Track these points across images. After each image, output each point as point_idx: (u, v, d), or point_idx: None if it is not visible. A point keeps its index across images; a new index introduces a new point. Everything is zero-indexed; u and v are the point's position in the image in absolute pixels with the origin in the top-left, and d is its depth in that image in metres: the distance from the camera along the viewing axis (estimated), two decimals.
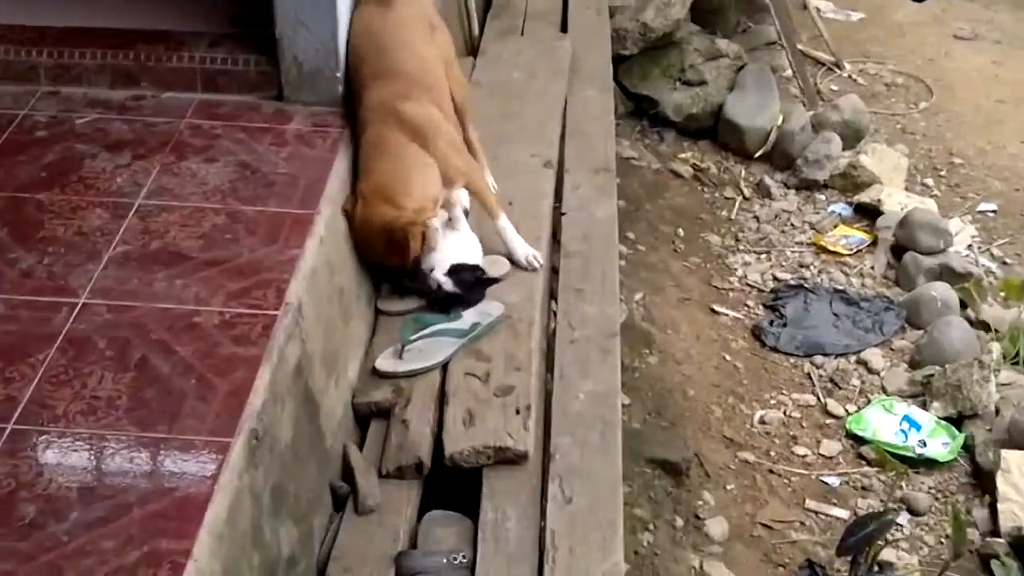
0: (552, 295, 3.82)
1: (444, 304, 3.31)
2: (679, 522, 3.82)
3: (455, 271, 3.34)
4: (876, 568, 3.54)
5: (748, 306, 4.99)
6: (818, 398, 4.45)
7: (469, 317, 3.28)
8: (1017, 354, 4.48)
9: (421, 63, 3.56)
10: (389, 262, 3.32)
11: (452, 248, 3.37)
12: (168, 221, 2.99)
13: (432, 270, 3.32)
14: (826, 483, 4.09)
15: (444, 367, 3.20)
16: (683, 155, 6.09)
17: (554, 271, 3.86)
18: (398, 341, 3.19)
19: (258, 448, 2.42)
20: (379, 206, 3.27)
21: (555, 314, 3.64)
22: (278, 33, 3.48)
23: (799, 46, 6.89)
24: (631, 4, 6.17)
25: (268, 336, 2.62)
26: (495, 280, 3.41)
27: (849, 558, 3.47)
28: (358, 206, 3.28)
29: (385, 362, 3.18)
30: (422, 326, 3.22)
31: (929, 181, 5.90)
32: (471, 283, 3.34)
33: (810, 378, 4.56)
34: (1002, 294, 4.85)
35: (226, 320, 2.67)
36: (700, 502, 3.92)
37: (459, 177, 3.44)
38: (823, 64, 7.06)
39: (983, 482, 4.00)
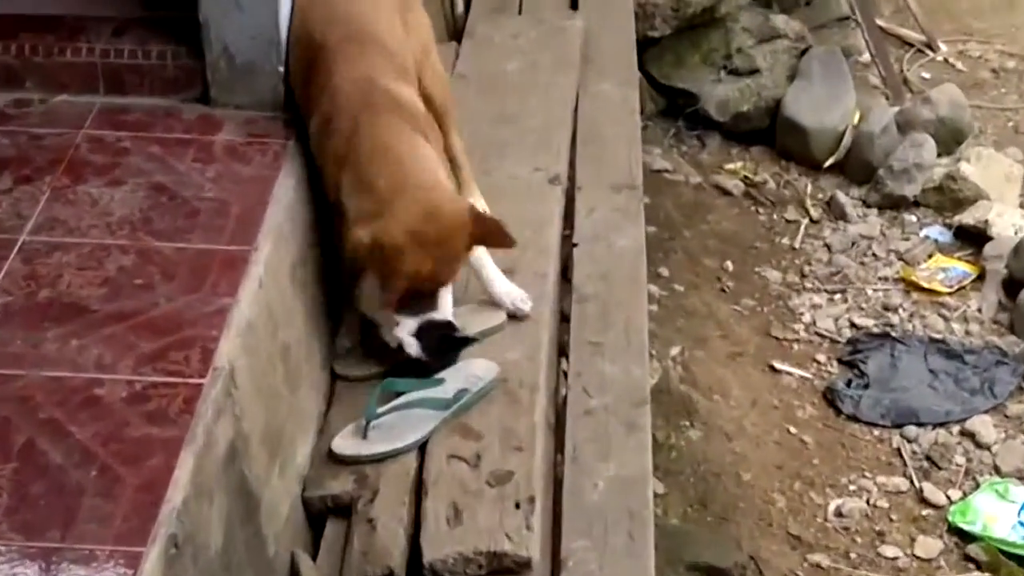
0: (562, 351, 3.82)
1: (406, 369, 3.32)
2: None
3: (424, 330, 3.30)
4: None
5: (818, 362, 4.99)
6: (911, 482, 4.46)
7: (453, 383, 3.28)
8: None
9: (397, 40, 3.59)
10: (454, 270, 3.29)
11: (426, 300, 3.32)
12: (61, 263, 2.99)
13: (397, 325, 3.34)
14: None
15: (421, 448, 3.19)
16: (731, 166, 6.12)
17: (564, 320, 3.86)
18: (362, 415, 3.19)
19: (178, 559, 2.41)
20: (414, 208, 3.18)
21: (566, 376, 3.64)
22: (202, 17, 3.50)
23: (879, 22, 6.94)
24: None
25: (191, 412, 2.61)
26: (468, 341, 3.37)
27: None
28: (380, 230, 3.16)
29: (345, 443, 3.17)
30: (392, 395, 3.22)
31: None
32: (437, 345, 3.31)
33: (900, 455, 4.56)
34: None
35: (137, 391, 2.66)
36: None
37: None
38: (911, 45, 7.10)
39: None
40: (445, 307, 3.32)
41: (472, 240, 3.27)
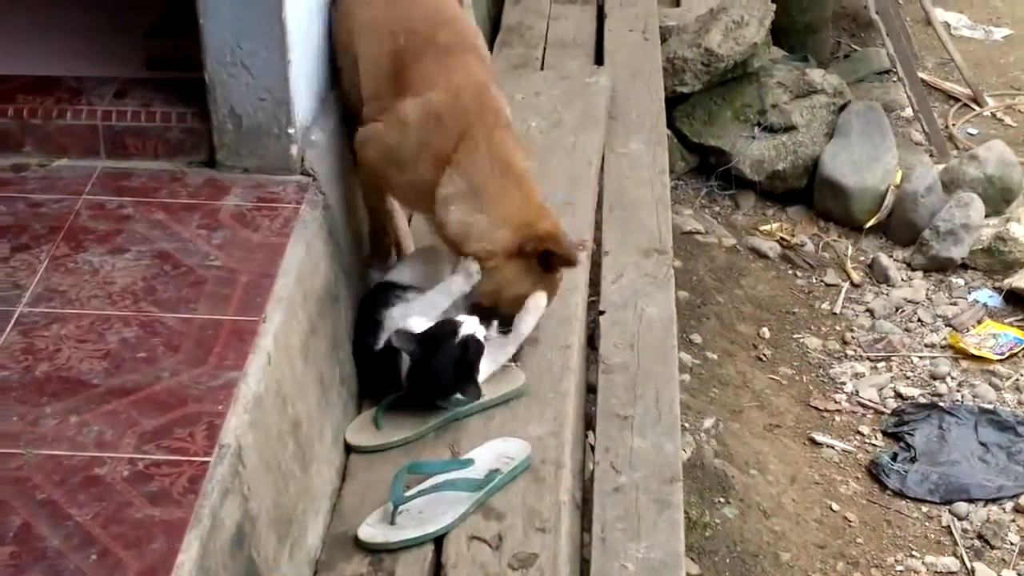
0: (589, 425, 3.82)
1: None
2: None
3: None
4: None
5: (862, 434, 4.98)
6: (963, 562, 4.43)
7: (484, 463, 3.29)
8: None
9: (478, 37, 3.89)
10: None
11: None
12: (60, 335, 3.01)
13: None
14: None
15: None
16: (767, 227, 6.13)
17: (590, 391, 3.86)
18: (385, 496, 3.19)
19: None
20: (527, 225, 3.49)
21: (592, 451, 3.64)
22: (208, 77, 3.53)
23: (922, 75, 6.97)
24: (690, 24, 6.25)
25: (196, 492, 2.61)
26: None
27: None
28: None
29: (372, 530, 3.16)
30: (421, 477, 3.22)
31: None
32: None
33: (950, 534, 4.54)
34: None
35: (139, 471, 2.66)
36: None
37: None
38: (956, 99, 7.12)
39: None
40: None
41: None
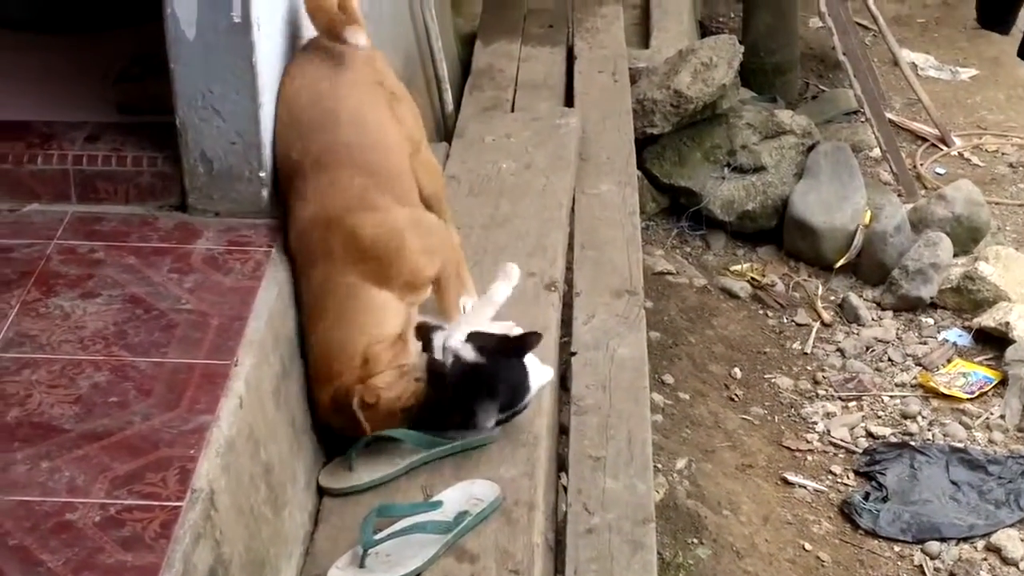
0: (561, 466, 3.82)
1: (462, 389, 3.36)
2: None
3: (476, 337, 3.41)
4: None
5: (834, 474, 4.98)
6: None
7: (453, 505, 3.28)
8: None
9: (381, 144, 3.67)
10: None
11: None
12: (31, 381, 3.00)
13: (445, 341, 3.39)
14: None
15: None
16: (737, 267, 6.15)
17: (563, 433, 3.86)
18: (355, 539, 3.18)
19: None
20: (323, 387, 3.43)
21: (565, 492, 3.64)
22: (179, 122, 3.54)
23: (889, 115, 7.01)
24: (659, 66, 6.29)
25: (169, 537, 2.61)
26: (527, 340, 3.48)
27: None
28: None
29: (340, 573, 3.14)
30: (390, 520, 3.22)
31: None
32: (495, 352, 3.41)
33: (923, 573, 4.54)
34: None
35: (111, 516, 2.66)
36: None
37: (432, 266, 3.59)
38: (924, 139, 7.17)
39: None
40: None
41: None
